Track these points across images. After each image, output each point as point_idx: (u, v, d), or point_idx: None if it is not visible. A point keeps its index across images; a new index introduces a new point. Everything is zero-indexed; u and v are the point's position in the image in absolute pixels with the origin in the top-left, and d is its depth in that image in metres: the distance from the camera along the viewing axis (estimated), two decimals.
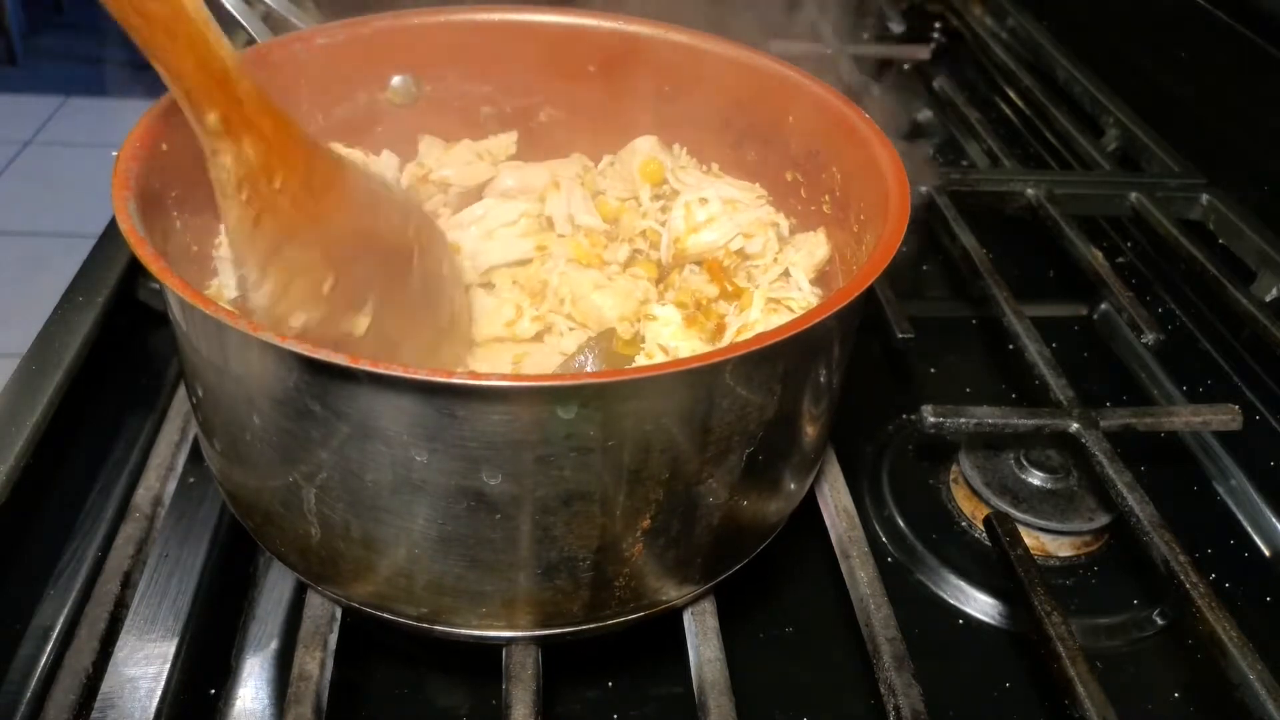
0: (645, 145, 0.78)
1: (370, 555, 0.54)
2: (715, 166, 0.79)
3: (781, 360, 0.53)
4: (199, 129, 0.53)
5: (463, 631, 0.57)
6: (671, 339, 0.64)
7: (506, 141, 0.79)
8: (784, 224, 0.74)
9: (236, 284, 0.59)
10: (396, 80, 0.76)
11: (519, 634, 0.58)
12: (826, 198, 0.71)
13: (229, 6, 0.69)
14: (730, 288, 0.71)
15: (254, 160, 0.55)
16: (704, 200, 0.72)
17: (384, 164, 0.76)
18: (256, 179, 0.55)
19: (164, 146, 0.60)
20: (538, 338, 0.68)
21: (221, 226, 0.57)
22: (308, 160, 0.58)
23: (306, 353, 0.45)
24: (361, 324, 0.61)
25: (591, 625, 0.58)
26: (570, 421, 0.48)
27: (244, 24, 0.70)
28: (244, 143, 0.54)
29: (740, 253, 0.72)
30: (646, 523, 0.53)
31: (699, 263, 0.73)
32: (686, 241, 0.72)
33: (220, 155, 0.54)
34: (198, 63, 0.51)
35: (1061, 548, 0.77)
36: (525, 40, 0.77)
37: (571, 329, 0.67)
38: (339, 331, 0.59)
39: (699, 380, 0.50)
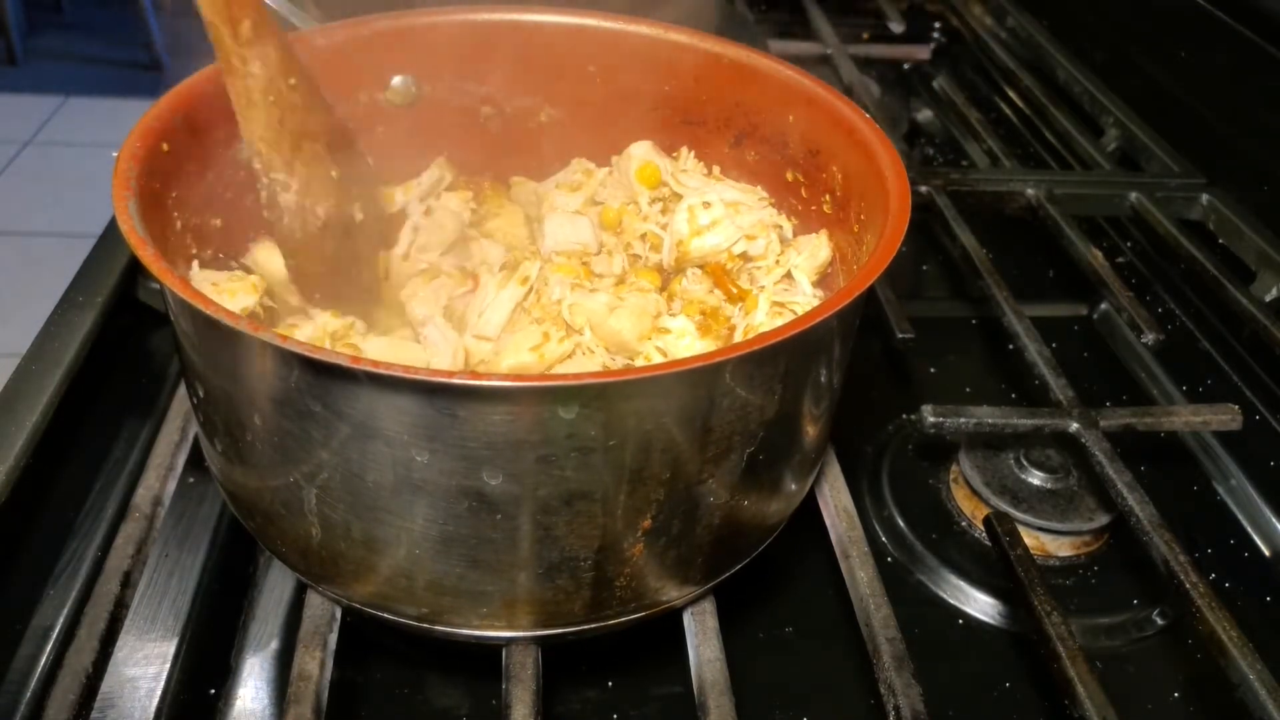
0: (640, 150, 0.78)
1: (371, 555, 0.54)
2: (717, 169, 0.79)
3: (782, 360, 0.53)
4: (231, 42, 0.59)
5: (463, 632, 0.57)
6: (688, 350, 0.64)
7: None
8: (787, 226, 0.74)
9: (265, 198, 0.65)
10: (396, 80, 0.76)
11: (520, 634, 0.58)
12: (827, 198, 0.72)
13: None
14: (735, 290, 0.71)
15: (275, 63, 0.61)
16: (707, 204, 0.72)
17: None
18: (277, 81, 0.62)
19: (164, 147, 0.60)
20: (565, 360, 0.67)
21: (244, 140, 0.63)
22: (297, 60, 0.64)
23: (307, 353, 0.45)
24: (358, 214, 0.69)
25: (592, 625, 0.58)
26: (571, 421, 0.48)
27: None
28: (269, 46, 0.61)
29: (743, 255, 0.72)
30: (647, 523, 0.53)
31: (701, 266, 0.73)
32: (689, 245, 0.72)
33: (250, 64, 0.60)
34: None
35: (1061, 548, 0.77)
36: (525, 40, 0.77)
37: (588, 353, 0.67)
38: (345, 219, 0.68)
39: (700, 380, 0.50)
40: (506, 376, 0.51)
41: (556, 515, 0.51)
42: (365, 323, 0.68)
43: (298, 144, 0.64)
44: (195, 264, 0.66)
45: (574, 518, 0.52)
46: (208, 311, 0.47)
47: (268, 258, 0.69)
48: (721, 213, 0.72)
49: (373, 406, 0.48)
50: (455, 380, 0.46)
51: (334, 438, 0.50)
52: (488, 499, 0.50)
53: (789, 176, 0.75)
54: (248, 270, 0.69)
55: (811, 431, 0.61)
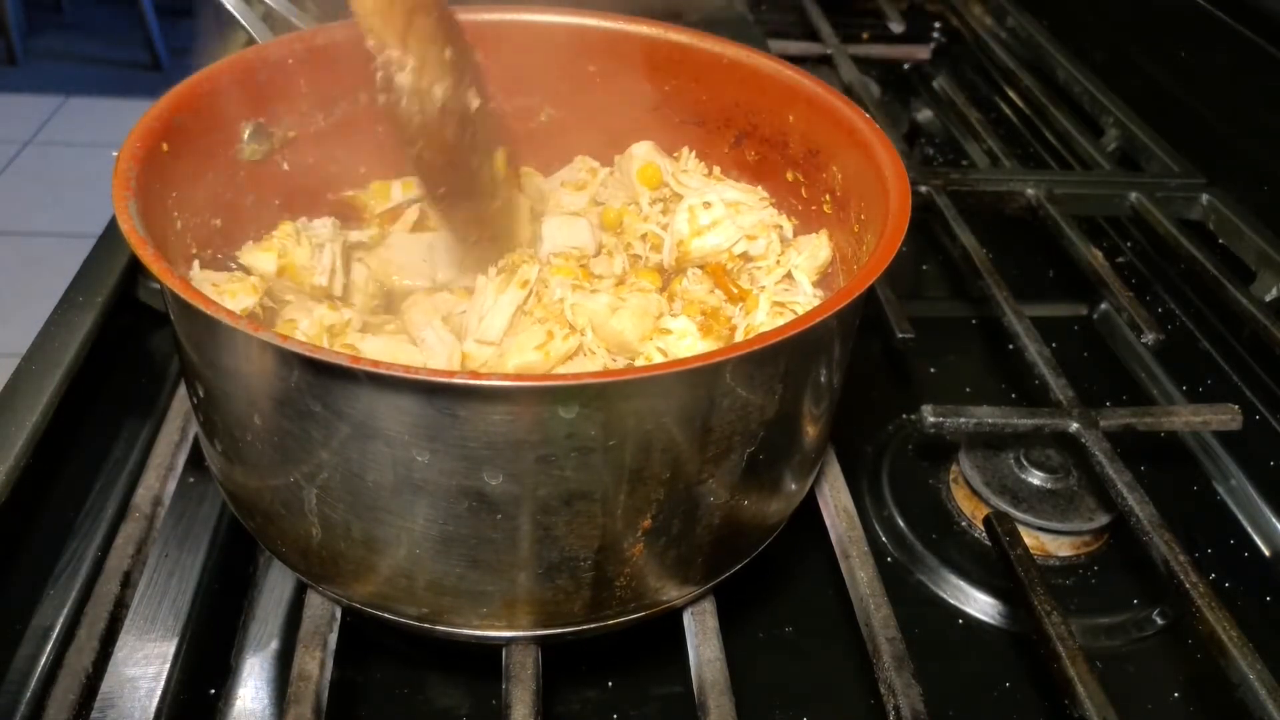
0: (642, 150, 0.78)
1: (371, 555, 0.54)
2: (717, 170, 0.79)
3: (782, 360, 0.53)
4: None
5: (464, 631, 0.57)
6: (689, 350, 0.64)
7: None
8: (787, 226, 0.74)
9: (380, 79, 0.62)
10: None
11: (520, 634, 0.58)
12: (827, 197, 0.72)
13: (229, 6, 0.69)
14: (735, 290, 0.71)
15: None
16: (708, 204, 0.72)
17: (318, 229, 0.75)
18: None
19: (164, 147, 0.60)
20: (569, 358, 0.67)
21: (355, 15, 0.60)
22: None
23: (307, 353, 0.45)
24: (474, 100, 0.66)
25: (592, 625, 0.58)
26: (571, 421, 0.48)
27: (244, 24, 0.70)
28: None
29: (744, 256, 0.72)
30: (647, 523, 0.53)
31: (701, 266, 0.73)
32: (690, 245, 0.72)
33: None
34: None
35: (1061, 548, 0.77)
36: (525, 40, 0.77)
37: (590, 354, 0.67)
38: (462, 105, 0.65)
39: (699, 380, 0.50)
40: (506, 376, 0.51)
41: (556, 515, 0.51)
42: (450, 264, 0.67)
43: (410, 17, 0.61)
44: (196, 264, 0.66)
45: (574, 518, 0.52)
46: (208, 311, 0.47)
47: (257, 260, 0.69)
48: (722, 213, 0.72)
49: (373, 406, 0.48)
50: (455, 380, 0.46)
51: (334, 437, 0.50)
52: (488, 499, 0.50)
53: (789, 176, 0.75)
54: (248, 271, 0.69)
55: (811, 431, 0.61)
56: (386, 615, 0.58)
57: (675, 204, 0.75)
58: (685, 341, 0.65)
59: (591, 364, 0.66)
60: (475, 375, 0.47)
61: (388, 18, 0.60)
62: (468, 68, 0.66)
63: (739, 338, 0.67)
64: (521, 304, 0.69)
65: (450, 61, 0.64)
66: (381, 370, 0.45)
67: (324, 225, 0.73)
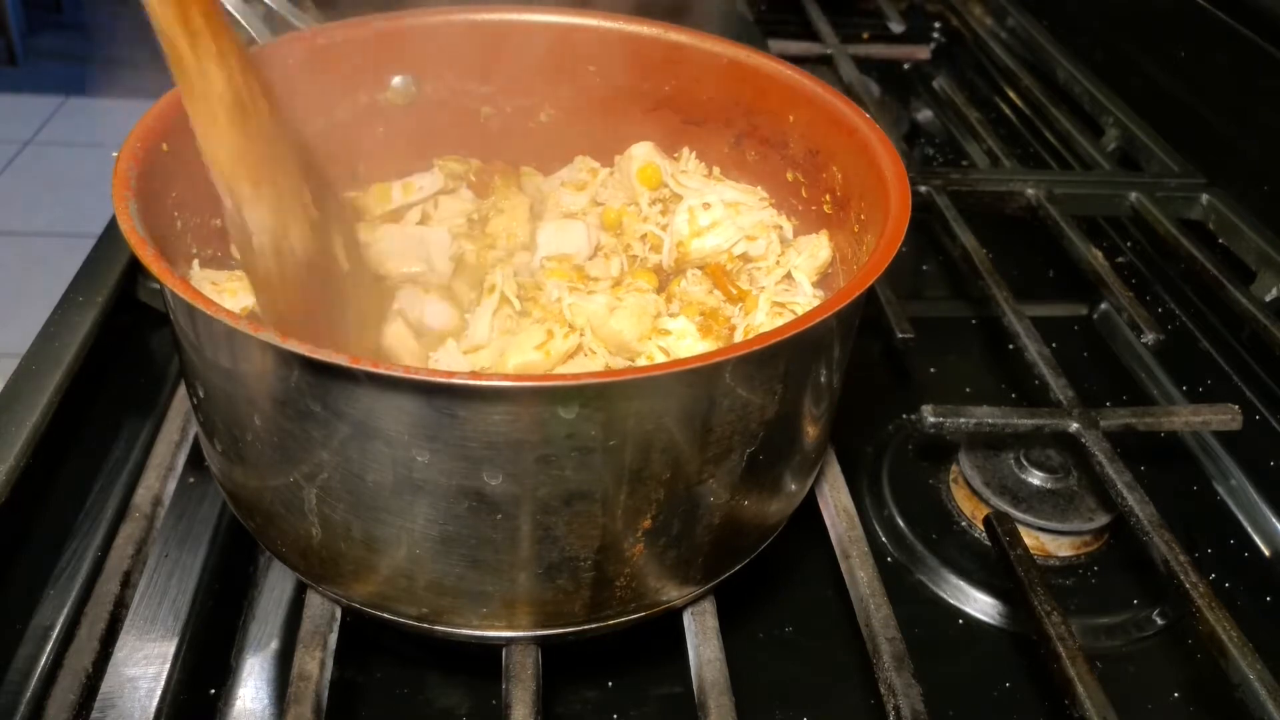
0: (642, 151, 0.78)
1: (371, 555, 0.54)
2: (717, 170, 0.79)
3: (782, 360, 0.53)
4: (190, 53, 0.53)
5: (464, 632, 0.57)
6: (689, 351, 0.64)
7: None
8: (787, 227, 0.74)
9: (235, 233, 0.59)
10: (396, 80, 0.76)
11: (520, 634, 0.58)
12: (827, 198, 0.72)
13: (229, 6, 0.69)
14: (735, 291, 0.71)
15: (235, 68, 0.54)
16: (707, 205, 0.72)
17: None
18: (242, 96, 0.55)
19: (164, 147, 0.60)
20: (569, 358, 0.67)
21: (209, 166, 0.56)
22: (262, 76, 0.58)
23: (307, 353, 0.45)
24: (343, 259, 0.62)
25: (592, 625, 0.58)
26: (571, 421, 0.48)
27: (244, 24, 0.70)
28: (231, 57, 0.54)
29: (743, 256, 0.72)
30: (647, 523, 0.53)
31: (701, 267, 0.73)
32: (690, 246, 0.72)
33: (210, 75, 0.53)
34: None
35: (1061, 548, 0.77)
36: (525, 40, 0.77)
37: (590, 354, 0.67)
38: (328, 260, 0.61)
39: (700, 380, 0.50)
40: (506, 376, 0.51)
41: (556, 515, 0.51)
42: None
43: (265, 158, 0.57)
44: (195, 263, 0.66)
45: (574, 518, 0.52)
46: (207, 311, 0.47)
47: None
48: (722, 214, 0.72)
49: (373, 406, 0.48)
50: (455, 380, 0.46)
51: (334, 438, 0.50)
52: (488, 499, 0.50)
53: (789, 177, 0.75)
54: None
55: (811, 431, 0.61)
56: (386, 615, 0.58)
57: (675, 204, 0.75)
58: (685, 342, 0.65)
59: (593, 364, 0.66)
60: (475, 375, 0.47)
61: (243, 160, 0.56)
62: (338, 220, 0.63)
63: (738, 338, 0.67)
64: (497, 306, 0.69)
65: (316, 219, 0.60)
66: (381, 370, 0.45)
67: None
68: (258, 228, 0.57)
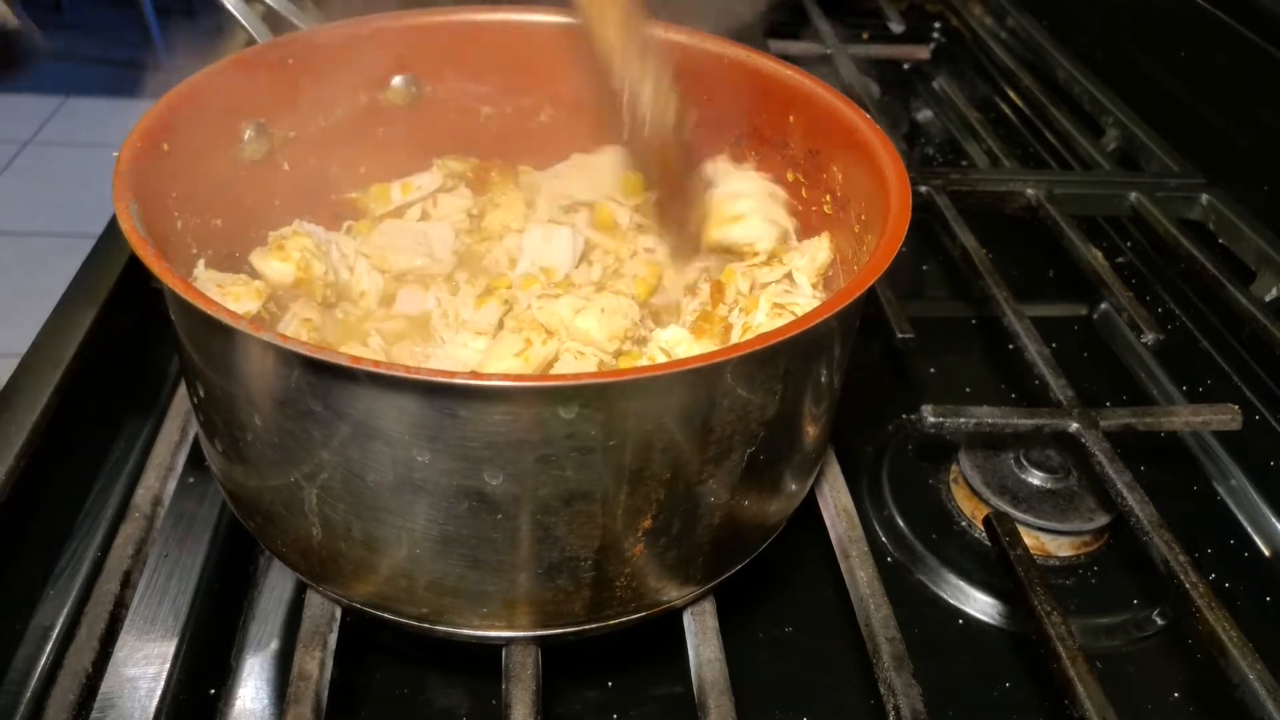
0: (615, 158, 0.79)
1: (371, 555, 0.54)
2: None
3: (782, 360, 0.53)
4: None
5: (464, 632, 0.57)
6: (685, 353, 0.65)
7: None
8: (790, 227, 0.75)
9: (627, 106, 0.66)
10: (397, 80, 0.76)
11: (520, 634, 0.58)
12: (827, 198, 0.71)
13: (229, 6, 0.69)
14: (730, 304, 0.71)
15: None
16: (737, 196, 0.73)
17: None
18: None
19: (165, 146, 0.60)
20: (551, 363, 0.68)
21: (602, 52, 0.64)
22: None
23: (308, 353, 0.45)
24: (690, 117, 0.69)
25: (592, 625, 0.58)
26: (572, 421, 0.48)
27: (244, 24, 0.70)
28: None
29: (754, 253, 0.73)
30: (647, 523, 0.53)
31: (729, 250, 0.73)
32: (715, 233, 0.72)
33: None
34: None
35: (1061, 548, 0.77)
36: (525, 40, 0.77)
37: (580, 355, 0.67)
38: (683, 123, 0.69)
39: (700, 380, 0.50)
40: (507, 376, 0.50)
41: (556, 515, 0.51)
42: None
43: (644, 46, 0.65)
44: (201, 264, 0.65)
45: (574, 518, 0.52)
46: (208, 311, 0.47)
47: (272, 268, 0.69)
48: (749, 207, 0.72)
49: (373, 406, 0.48)
50: (456, 380, 0.46)
51: (334, 437, 0.50)
52: (488, 499, 0.50)
53: (789, 177, 0.75)
54: (257, 274, 0.69)
55: (811, 432, 0.61)
56: (387, 615, 0.58)
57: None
58: (680, 347, 0.65)
59: (584, 364, 0.66)
60: (476, 375, 0.47)
61: (629, 49, 0.65)
62: (681, 94, 0.69)
63: (735, 338, 0.67)
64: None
65: (670, 87, 0.68)
66: (382, 370, 0.45)
67: (318, 229, 0.74)
68: (648, 104, 0.66)
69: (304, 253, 0.69)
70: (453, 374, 0.46)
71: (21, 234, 2.86)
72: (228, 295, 0.64)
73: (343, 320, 0.72)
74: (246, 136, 0.69)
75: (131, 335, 0.85)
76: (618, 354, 0.67)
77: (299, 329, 0.66)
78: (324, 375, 0.48)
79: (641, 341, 0.68)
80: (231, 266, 0.68)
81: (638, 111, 0.66)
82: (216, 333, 0.52)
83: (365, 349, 0.68)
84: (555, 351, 0.66)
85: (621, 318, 0.67)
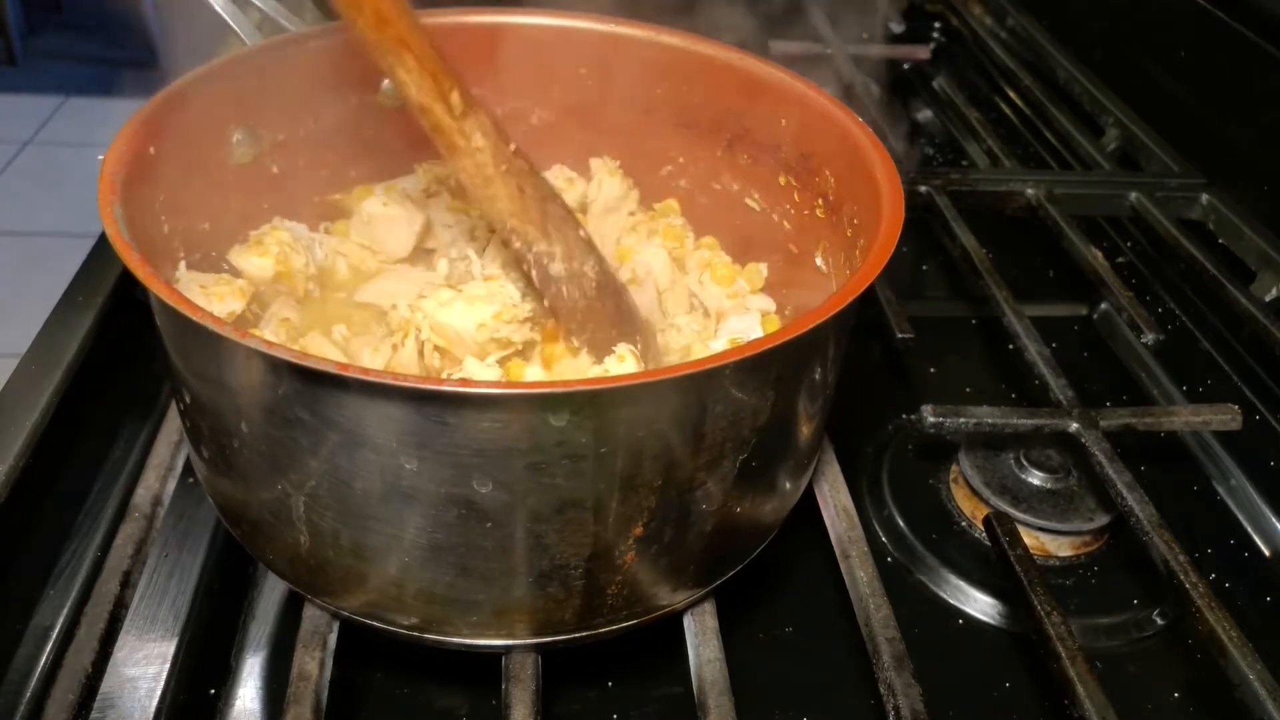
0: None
1: (360, 564, 0.54)
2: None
3: (774, 366, 0.52)
4: (449, 120, 0.55)
5: (455, 640, 0.57)
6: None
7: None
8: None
9: (538, 278, 0.62)
10: (388, 83, 0.76)
11: (512, 642, 0.57)
12: (820, 202, 0.71)
13: (220, 11, 0.69)
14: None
15: (492, 130, 0.57)
16: None
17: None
18: (501, 149, 0.58)
19: (151, 150, 0.60)
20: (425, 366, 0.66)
21: (494, 224, 0.59)
22: (501, 125, 0.60)
23: (293, 359, 0.45)
24: (613, 270, 0.66)
25: (584, 634, 0.57)
26: (561, 429, 0.47)
27: (235, 28, 0.69)
28: (481, 114, 0.56)
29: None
30: (639, 530, 0.53)
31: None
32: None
33: (473, 137, 0.56)
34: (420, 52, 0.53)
35: (1061, 548, 0.77)
36: (516, 43, 0.77)
37: (442, 351, 0.65)
38: (609, 272, 0.64)
39: (691, 387, 0.49)
40: (496, 384, 0.50)
41: (547, 523, 0.51)
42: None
43: (543, 208, 0.61)
44: (183, 264, 0.65)
45: (564, 525, 0.51)
46: (191, 316, 0.46)
47: (251, 264, 0.69)
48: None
49: (361, 413, 0.47)
50: (444, 387, 0.46)
51: (321, 445, 0.49)
52: (477, 507, 0.50)
53: (782, 180, 0.74)
54: (238, 273, 0.69)
55: (805, 436, 0.60)
56: (378, 624, 0.58)
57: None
58: (625, 363, 0.64)
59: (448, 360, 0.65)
60: (464, 382, 0.47)
61: (526, 216, 0.60)
62: (592, 244, 0.66)
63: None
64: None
65: (586, 239, 0.65)
66: (370, 377, 0.44)
67: (299, 226, 0.74)
68: (558, 270, 0.62)
69: (282, 246, 0.68)
70: (440, 380, 0.45)
71: (21, 234, 2.87)
72: (211, 296, 0.64)
73: (311, 311, 0.72)
74: (235, 140, 0.69)
75: (131, 335, 0.85)
76: (501, 344, 0.65)
77: (277, 329, 0.66)
78: (311, 382, 0.47)
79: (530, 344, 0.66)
80: (217, 269, 0.68)
81: (550, 279, 0.61)
82: (198, 337, 0.51)
83: (327, 341, 0.67)
84: (417, 347, 0.65)
85: (483, 304, 0.64)
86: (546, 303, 0.64)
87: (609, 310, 0.65)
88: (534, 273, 0.62)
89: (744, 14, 1.04)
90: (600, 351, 0.65)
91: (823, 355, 0.57)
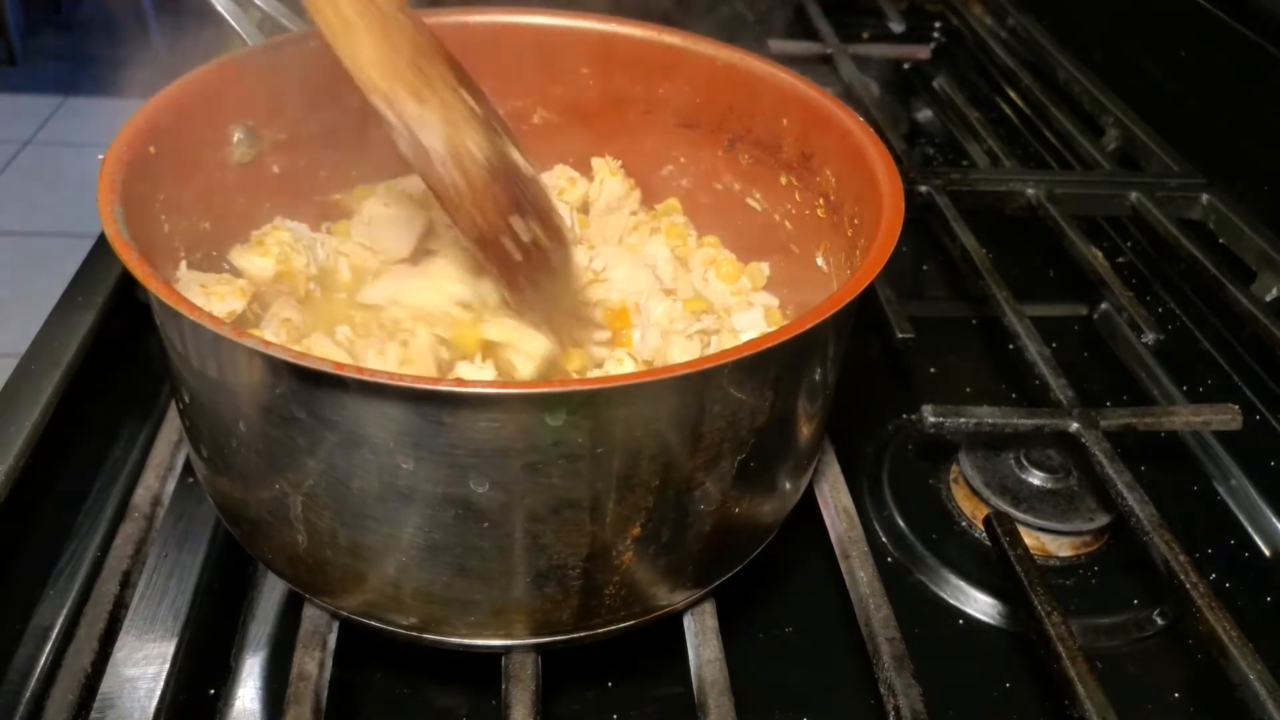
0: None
1: (358, 563, 0.54)
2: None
3: (773, 367, 0.52)
4: None
5: (453, 640, 0.57)
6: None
7: None
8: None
9: (406, 147, 0.54)
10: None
11: (510, 642, 0.57)
12: (820, 202, 0.71)
13: (221, 10, 0.69)
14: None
15: None
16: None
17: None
18: None
19: (151, 149, 0.60)
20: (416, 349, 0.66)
21: (356, 78, 0.52)
22: None
23: (292, 359, 0.45)
24: (520, 159, 0.56)
25: (582, 634, 0.57)
26: (558, 429, 0.47)
27: (236, 27, 0.69)
28: None
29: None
30: (637, 530, 0.53)
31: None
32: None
33: None
34: None
35: (1061, 548, 0.77)
36: (518, 42, 0.77)
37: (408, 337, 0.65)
38: (509, 162, 0.55)
39: (689, 387, 0.49)
40: (493, 384, 0.50)
41: (544, 523, 0.51)
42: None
43: (418, 66, 0.52)
44: (183, 264, 0.65)
45: (562, 525, 0.51)
46: (190, 316, 0.46)
47: (252, 263, 0.69)
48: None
49: (358, 413, 0.47)
50: (441, 387, 0.46)
51: (319, 445, 0.49)
52: (475, 507, 0.50)
53: (783, 180, 0.75)
54: (239, 272, 0.69)
55: (804, 436, 0.60)
56: (375, 624, 0.58)
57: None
58: (624, 365, 0.64)
59: (416, 345, 0.64)
60: (461, 382, 0.47)
61: (393, 71, 0.52)
62: (497, 121, 0.58)
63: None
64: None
65: (482, 118, 0.55)
66: (367, 377, 0.44)
67: (300, 226, 0.73)
68: (432, 140, 0.53)
69: (283, 246, 0.68)
70: (437, 380, 0.45)
71: (21, 234, 2.87)
72: (212, 295, 0.63)
73: (314, 311, 0.72)
74: (235, 139, 0.69)
75: (131, 335, 0.85)
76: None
77: (278, 330, 0.66)
78: (308, 382, 0.47)
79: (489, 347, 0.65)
80: (218, 269, 0.68)
81: (421, 148, 0.52)
82: (199, 338, 0.51)
83: (330, 343, 0.67)
84: (405, 341, 0.64)
85: (449, 281, 0.64)
86: (420, 173, 0.55)
87: (504, 205, 0.55)
88: (401, 144, 0.53)
89: (744, 14, 1.04)
90: (502, 267, 0.56)
91: (822, 355, 0.57)
